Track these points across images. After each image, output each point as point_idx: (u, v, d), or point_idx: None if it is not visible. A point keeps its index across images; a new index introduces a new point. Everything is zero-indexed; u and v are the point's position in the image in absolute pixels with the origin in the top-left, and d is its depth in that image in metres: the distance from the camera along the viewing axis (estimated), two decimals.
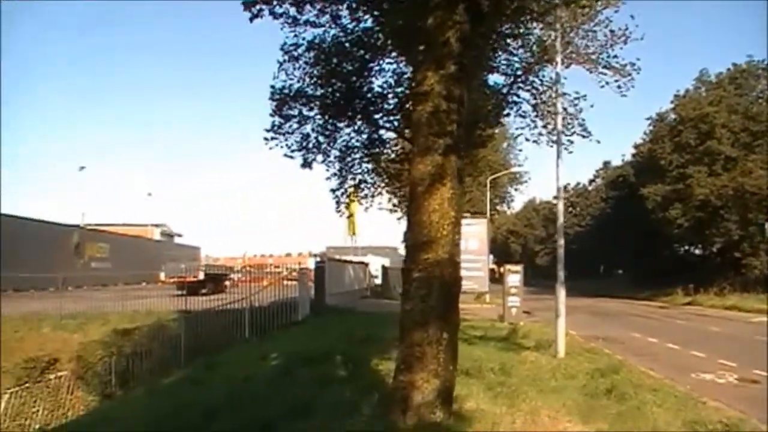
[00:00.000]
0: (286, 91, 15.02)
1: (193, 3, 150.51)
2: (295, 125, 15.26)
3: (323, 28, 14.13)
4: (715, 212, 48.40)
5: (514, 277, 26.70)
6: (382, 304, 35.59)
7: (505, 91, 16.61)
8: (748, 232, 47.22)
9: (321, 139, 15.40)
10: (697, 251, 58.90)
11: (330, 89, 14.69)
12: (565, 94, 16.90)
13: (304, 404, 9.83)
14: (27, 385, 21.88)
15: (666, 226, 52.20)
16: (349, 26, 13.71)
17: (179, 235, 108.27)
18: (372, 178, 17.50)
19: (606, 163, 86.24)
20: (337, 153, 15.85)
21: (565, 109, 17.00)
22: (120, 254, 70.42)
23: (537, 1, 12.47)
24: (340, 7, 13.33)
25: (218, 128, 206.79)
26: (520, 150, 52.12)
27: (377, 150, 16.29)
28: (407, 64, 13.13)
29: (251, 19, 12.68)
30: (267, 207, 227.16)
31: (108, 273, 61.56)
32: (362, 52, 13.99)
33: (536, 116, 17.16)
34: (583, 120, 17.31)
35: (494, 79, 16.62)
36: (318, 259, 35.34)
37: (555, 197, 18.66)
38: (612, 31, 16.66)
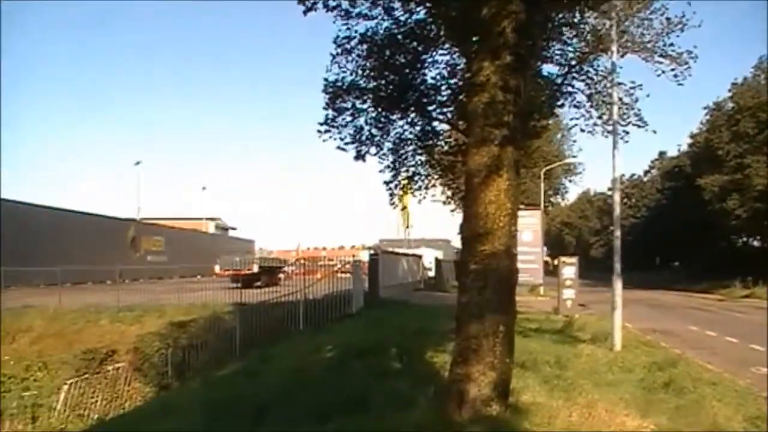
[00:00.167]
0: (339, 83, 15.01)
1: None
2: (349, 118, 15.25)
3: (376, 21, 14.11)
4: None
5: (569, 269, 26.49)
6: (436, 296, 35.58)
7: (559, 81, 16.42)
8: None
9: (374, 131, 15.36)
10: (755, 243, 57.85)
11: (383, 81, 14.64)
12: (620, 83, 16.69)
13: (359, 397, 9.81)
14: (86, 376, 22.25)
15: (723, 217, 51.40)
16: (402, 18, 13.66)
17: (233, 229, 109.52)
18: (425, 170, 17.42)
19: (662, 154, 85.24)
20: (391, 145, 15.81)
21: (620, 98, 16.77)
22: (175, 247, 71.39)
23: None
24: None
25: (272, 122, 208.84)
26: (575, 141, 51.14)
27: (430, 142, 16.20)
28: (461, 55, 13.03)
29: (305, 12, 12.73)
30: (320, 200, 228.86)
31: (163, 266, 62.25)
32: (415, 44, 13.93)
33: (591, 106, 16.96)
34: (639, 110, 17.07)
35: (548, 69, 16.47)
36: (372, 251, 35.34)
37: (610, 188, 18.52)
38: (668, 19, 16.39)
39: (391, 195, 17.52)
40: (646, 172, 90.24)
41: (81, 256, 48.20)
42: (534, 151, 30.26)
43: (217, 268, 47.31)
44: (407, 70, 14.31)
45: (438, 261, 54.69)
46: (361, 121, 15.34)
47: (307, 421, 8.81)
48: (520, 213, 8.54)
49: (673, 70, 16.46)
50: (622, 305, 17.25)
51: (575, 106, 16.95)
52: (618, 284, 17.29)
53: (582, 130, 17.47)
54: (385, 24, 14.04)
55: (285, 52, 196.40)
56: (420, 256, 49.48)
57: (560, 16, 13.74)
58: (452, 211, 48.68)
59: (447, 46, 13.75)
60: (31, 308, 28.55)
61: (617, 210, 17.86)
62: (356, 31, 14.37)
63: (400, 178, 16.81)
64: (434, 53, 14.37)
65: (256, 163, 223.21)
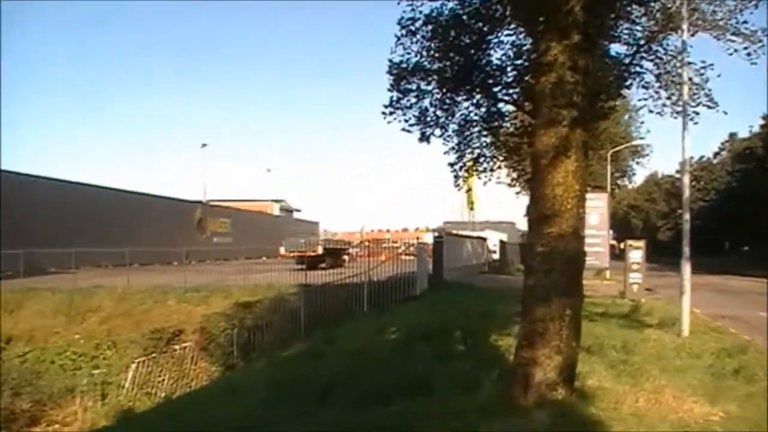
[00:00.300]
0: (404, 65, 14.93)
1: None
2: (413, 99, 15.16)
3: (440, 1, 14.01)
4: None
5: (636, 252, 26.13)
6: (500, 279, 35.42)
7: (627, 61, 16.11)
8: None
9: (439, 113, 15.24)
10: None
11: (448, 63, 14.53)
12: (690, 63, 16.28)
13: (422, 379, 9.85)
14: (153, 355, 22.73)
15: None
16: None
17: (298, 210, 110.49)
18: (491, 152, 17.25)
19: (732, 135, 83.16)
20: (456, 127, 15.68)
21: (690, 78, 16.36)
22: (241, 229, 72.41)
23: None
24: None
25: (336, 104, 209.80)
26: (642, 122, 50.02)
27: (496, 123, 16.03)
28: (527, 35, 12.87)
29: None
30: (384, 182, 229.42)
31: (229, 247, 63.30)
32: (480, 24, 13.78)
33: (660, 87, 16.56)
34: (710, 90, 16.62)
35: (616, 48, 16.17)
36: (436, 234, 35.31)
37: (678, 171, 18.16)
38: None
39: (456, 177, 17.40)
40: (716, 154, 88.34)
41: (148, 237, 49.26)
42: (601, 132, 29.91)
43: (282, 250, 47.90)
44: (472, 51, 14.17)
45: (503, 243, 54.47)
46: (426, 102, 15.26)
47: (371, 403, 8.83)
48: (586, 195, 8.42)
49: (746, 48, 15.98)
50: (691, 290, 16.98)
51: (643, 87, 16.59)
52: (687, 268, 16.97)
53: (650, 111, 17.09)
54: (450, 4, 13.92)
55: (350, 36, 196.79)
56: (485, 239, 49.32)
57: None
58: (517, 193, 48.43)
59: (513, 26, 13.60)
60: (100, 288, 29.29)
61: (686, 192, 17.50)
62: (421, 12, 14.28)
63: (465, 159, 16.69)
64: (500, 33, 14.20)
65: (321, 145, 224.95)
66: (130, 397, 21.35)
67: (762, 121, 63.50)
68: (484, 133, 16.14)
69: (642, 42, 15.65)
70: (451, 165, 16.70)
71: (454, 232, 41.36)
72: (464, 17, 13.71)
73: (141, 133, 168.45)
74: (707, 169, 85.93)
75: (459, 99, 15.13)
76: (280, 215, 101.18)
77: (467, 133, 15.88)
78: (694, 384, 9.93)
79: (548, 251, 7.67)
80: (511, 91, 14.74)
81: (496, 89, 14.65)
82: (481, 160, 16.89)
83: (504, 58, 14.50)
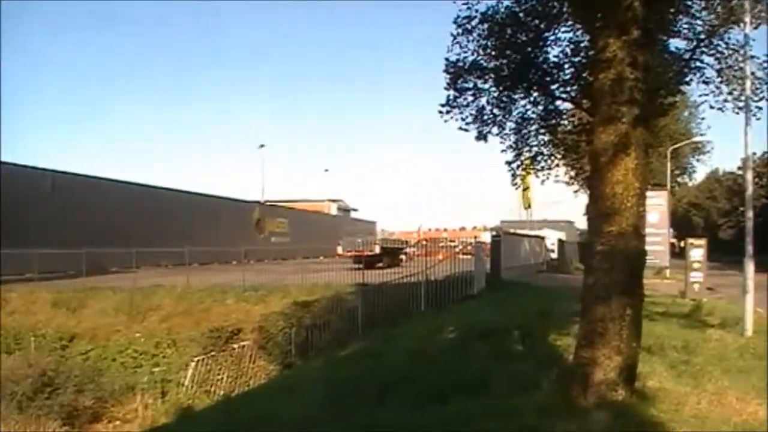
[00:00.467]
0: (461, 64, 14.88)
1: None
2: (470, 98, 15.08)
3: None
4: None
5: (697, 251, 25.76)
6: (558, 278, 35.09)
7: (687, 56, 15.86)
8: None
9: (496, 111, 15.14)
10: None
11: (504, 61, 14.45)
12: (753, 57, 15.97)
13: (480, 378, 9.79)
14: (212, 353, 23.04)
15: None
16: None
17: (355, 210, 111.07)
18: (548, 150, 17.12)
19: None
20: (513, 125, 15.57)
21: (753, 73, 16.03)
22: (298, 229, 72.98)
23: None
24: None
25: (393, 103, 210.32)
26: (703, 118, 49.21)
27: (554, 121, 15.89)
28: (584, 32, 12.75)
29: None
30: (441, 181, 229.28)
31: (287, 247, 63.75)
32: (537, 21, 13.69)
33: (721, 82, 16.24)
34: None
35: (675, 43, 15.93)
36: (494, 232, 35.14)
37: (740, 167, 17.81)
38: None
39: (513, 175, 17.29)
40: None
41: (208, 237, 49.90)
42: (660, 129, 29.54)
43: (339, 249, 48.15)
44: (529, 49, 14.08)
45: (561, 242, 54.01)
46: (483, 101, 15.18)
47: (429, 402, 8.83)
48: (646, 193, 8.31)
49: None
50: (754, 289, 16.67)
51: (704, 82, 16.29)
52: (750, 267, 16.67)
53: (711, 107, 16.78)
54: (506, 2, 13.85)
55: (407, 35, 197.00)
56: (543, 238, 48.88)
57: None
58: (576, 191, 48.02)
59: (570, 23, 13.49)
60: (160, 287, 29.76)
61: (749, 189, 17.15)
62: (477, 11, 14.21)
63: (522, 158, 16.58)
64: (556, 30, 14.08)
65: (378, 145, 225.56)
66: (190, 394, 21.68)
67: None
68: (542, 131, 16.01)
69: (702, 36, 15.37)
70: (509, 163, 16.61)
71: (512, 230, 41.10)
72: (521, 15, 13.65)
73: (201, 135, 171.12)
74: None
75: (516, 97, 15.04)
76: (338, 215, 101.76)
77: (524, 131, 15.78)
78: (759, 386, 9.69)
79: (608, 250, 7.59)
80: (568, 88, 14.60)
81: (553, 87, 14.53)
82: (539, 158, 16.76)
83: (561, 55, 14.37)
